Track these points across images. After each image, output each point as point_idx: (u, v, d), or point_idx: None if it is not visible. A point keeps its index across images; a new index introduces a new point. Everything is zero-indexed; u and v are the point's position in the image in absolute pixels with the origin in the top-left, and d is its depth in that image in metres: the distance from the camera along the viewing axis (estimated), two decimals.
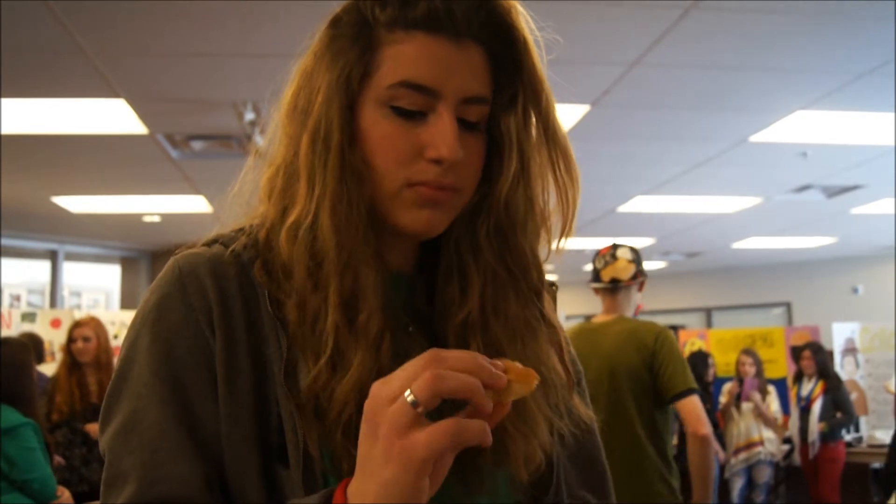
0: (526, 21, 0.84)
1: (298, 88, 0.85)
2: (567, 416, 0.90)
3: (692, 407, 3.01)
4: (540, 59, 0.85)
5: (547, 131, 0.86)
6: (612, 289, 3.24)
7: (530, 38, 0.84)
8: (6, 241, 8.43)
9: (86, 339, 4.25)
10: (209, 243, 0.86)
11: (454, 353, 0.65)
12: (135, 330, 0.81)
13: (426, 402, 0.62)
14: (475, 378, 0.63)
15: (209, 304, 0.80)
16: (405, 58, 0.79)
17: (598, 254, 3.30)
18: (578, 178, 0.88)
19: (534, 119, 0.85)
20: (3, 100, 4.27)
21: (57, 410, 4.09)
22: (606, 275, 3.23)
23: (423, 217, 0.83)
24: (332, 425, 0.76)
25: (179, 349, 0.79)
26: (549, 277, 0.96)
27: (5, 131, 4.74)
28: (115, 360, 0.84)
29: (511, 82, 0.84)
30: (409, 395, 0.62)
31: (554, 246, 0.91)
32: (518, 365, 0.67)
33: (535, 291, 0.89)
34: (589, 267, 3.42)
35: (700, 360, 6.54)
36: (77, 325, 4.35)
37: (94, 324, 4.34)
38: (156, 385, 0.77)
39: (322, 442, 0.76)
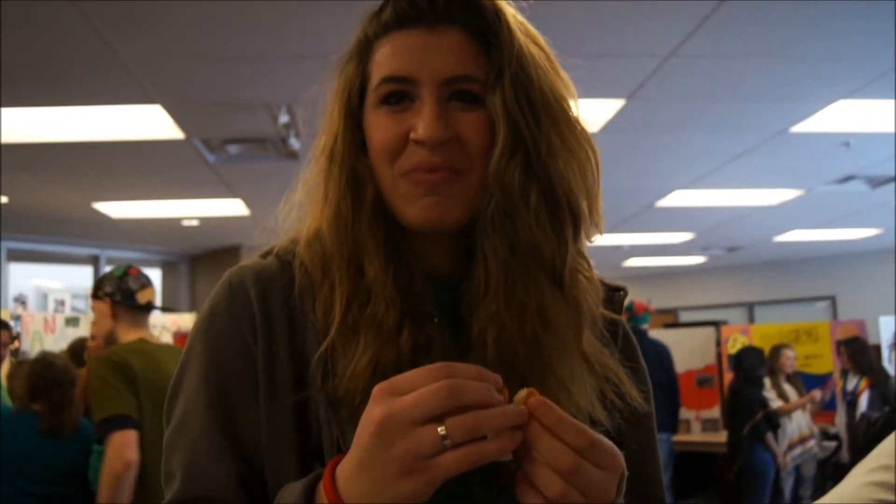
0: None
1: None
2: (600, 407, 0.86)
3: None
4: (530, 29, 0.88)
5: (543, 100, 0.85)
6: None
7: (505, 10, 0.86)
8: (50, 248, 8.58)
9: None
10: (265, 255, 0.93)
11: (467, 369, 0.67)
12: (191, 337, 0.89)
13: (460, 440, 0.64)
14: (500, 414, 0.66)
15: (253, 313, 0.86)
16: (384, 57, 0.85)
17: None
18: (590, 141, 0.88)
19: (527, 90, 0.84)
20: (43, 109, 4.33)
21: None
22: None
23: (424, 206, 0.84)
24: (353, 414, 0.79)
25: (225, 356, 0.86)
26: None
27: (45, 139, 4.82)
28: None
29: (498, 58, 0.84)
30: (442, 430, 0.64)
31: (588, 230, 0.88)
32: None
33: (552, 276, 0.85)
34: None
35: (754, 355, 6.39)
36: None
37: None
38: (203, 390, 0.85)
39: None
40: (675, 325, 10.34)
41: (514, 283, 0.83)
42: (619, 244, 9.59)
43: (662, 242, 9.84)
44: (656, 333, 7.11)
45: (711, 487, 7.35)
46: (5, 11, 3.10)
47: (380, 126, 0.85)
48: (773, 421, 5.96)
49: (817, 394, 6.45)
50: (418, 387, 0.65)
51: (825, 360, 7.17)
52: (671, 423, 6.39)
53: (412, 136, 0.83)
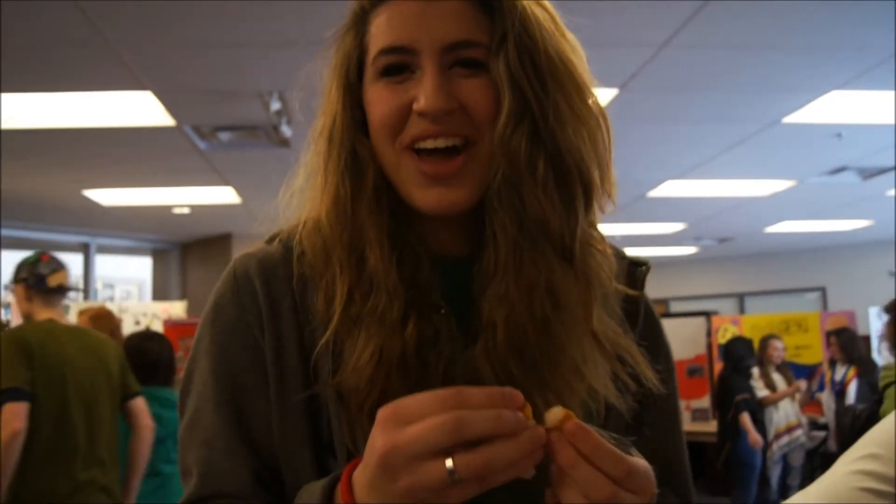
0: None
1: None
2: (614, 390, 0.82)
3: None
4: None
5: (549, 64, 0.80)
6: None
7: None
8: (40, 235, 8.53)
9: None
10: (270, 240, 0.90)
11: (479, 396, 0.62)
12: (199, 330, 0.87)
13: (468, 479, 0.61)
14: (515, 447, 0.61)
15: (259, 304, 0.84)
16: (381, 28, 0.81)
17: None
18: (600, 107, 0.84)
19: (532, 54, 0.79)
20: (32, 95, 4.30)
21: None
22: None
23: (435, 195, 0.80)
24: (360, 407, 0.77)
25: (233, 350, 0.84)
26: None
27: (35, 126, 4.78)
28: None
29: (501, 21, 0.80)
30: (450, 464, 0.60)
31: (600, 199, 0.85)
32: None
33: (562, 251, 0.80)
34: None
35: (742, 345, 6.43)
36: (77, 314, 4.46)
37: (91, 314, 4.34)
38: (213, 385, 0.83)
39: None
40: (666, 315, 10.36)
41: (522, 261, 0.79)
42: (610, 234, 9.58)
43: (654, 233, 9.84)
44: None
45: (702, 477, 7.39)
46: None
47: (380, 100, 0.81)
48: (751, 405, 6.00)
49: (802, 384, 6.49)
50: (425, 415, 0.61)
51: (815, 351, 7.20)
52: None
53: (415, 106, 0.79)
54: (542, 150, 0.79)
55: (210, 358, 0.84)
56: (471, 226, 0.85)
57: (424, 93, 0.78)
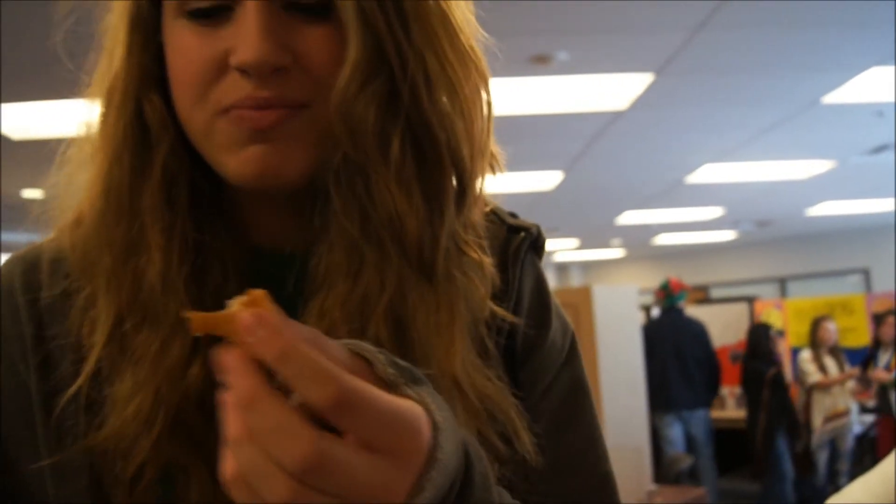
0: None
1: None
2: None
3: None
4: None
5: (416, 4, 0.59)
6: None
7: None
8: None
9: None
10: (52, 232, 0.68)
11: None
12: None
13: None
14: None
15: (22, 329, 0.64)
16: None
17: None
18: (479, 64, 0.63)
19: None
20: None
21: None
22: None
23: (248, 158, 0.58)
24: (113, 481, 0.59)
25: None
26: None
27: None
28: None
29: None
30: None
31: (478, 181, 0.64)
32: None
33: (419, 263, 0.59)
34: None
35: (762, 332, 6.43)
36: None
37: None
38: None
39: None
40: (707, 301, 10.27)
41: (361, 268, 0.60)
42: (647, 222, 9.52)
43: (692, 219, 9.76)
44: (689, 310, 7.09)
45: (748, 462, 7.35)
46: None
47: (183, 47, 0.59)
48: (780, 385, 6.02)
49: (856, 371, 6.40)
50: None
51: (860, 333, 7.10)
52: (709, 399, 6.41)
53: (233, 60, 0.57)
54: (400, 122, 0.59)
55: None
56: (311, 215, 0.63)
57: (245, 40, 0.55)
